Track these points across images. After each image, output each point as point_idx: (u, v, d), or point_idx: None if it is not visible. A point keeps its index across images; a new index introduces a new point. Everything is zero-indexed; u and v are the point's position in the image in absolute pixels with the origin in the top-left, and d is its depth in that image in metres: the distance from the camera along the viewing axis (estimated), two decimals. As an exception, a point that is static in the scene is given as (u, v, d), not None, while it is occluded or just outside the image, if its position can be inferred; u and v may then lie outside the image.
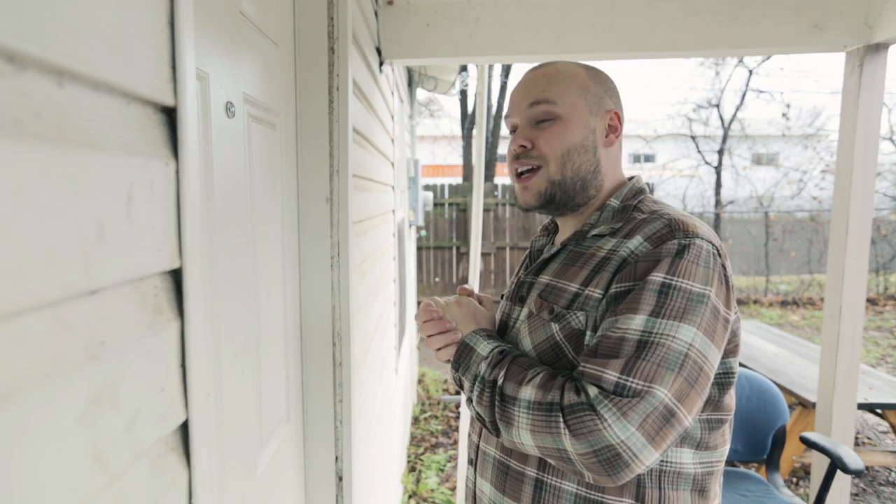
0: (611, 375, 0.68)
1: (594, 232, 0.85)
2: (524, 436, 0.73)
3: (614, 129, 0.88)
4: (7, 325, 0.32)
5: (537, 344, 0.82)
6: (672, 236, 0.75)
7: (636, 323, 0.70)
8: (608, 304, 0.75)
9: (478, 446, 0.92)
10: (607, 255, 0.79)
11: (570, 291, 0.81)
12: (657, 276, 0.72)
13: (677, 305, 0.70)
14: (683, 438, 0.78)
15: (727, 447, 0.84)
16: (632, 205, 0.85)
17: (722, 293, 0.74)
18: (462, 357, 0.84)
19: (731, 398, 0.83)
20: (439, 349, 0.89)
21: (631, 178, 0.90)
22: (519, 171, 0.88)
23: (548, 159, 0.85)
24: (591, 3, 1.95)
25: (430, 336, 0.90)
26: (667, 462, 0.77)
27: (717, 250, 0.76)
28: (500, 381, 0.77)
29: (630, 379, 0.67)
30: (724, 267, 0.76)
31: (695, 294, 0.71)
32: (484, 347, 0.83)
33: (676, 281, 0.71)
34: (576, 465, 0.69)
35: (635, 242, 0.77)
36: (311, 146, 1.15)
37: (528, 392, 0.73)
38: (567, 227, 0.92)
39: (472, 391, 0.82)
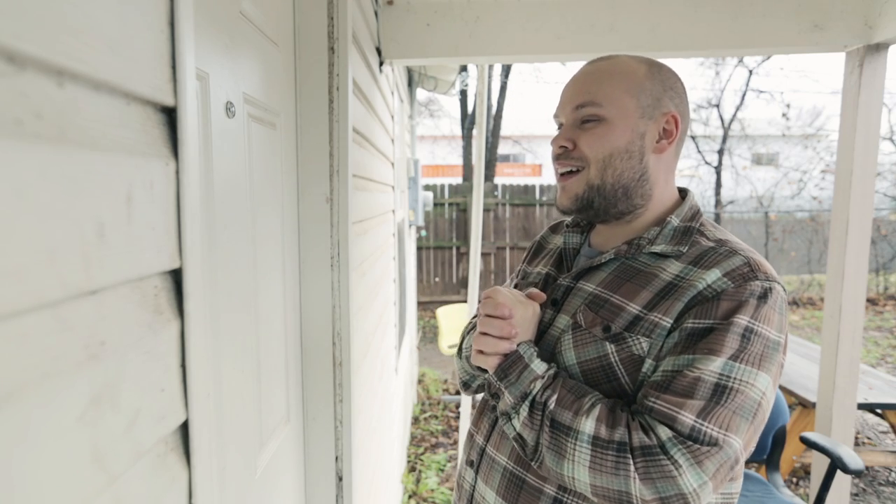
0: (686, 418, 0.66)
1: (654, 249, 0.80)
2: (579, 471, 0.68)
3: (669, 133, 0.81)
4: (7, 325, 0.32)
5: (585, 360, 0.77)
6: (755, 277, 0.72)
7: (715, 365, 0.67)
8: (684, 337, 0.71)
9: (483, 449, 0.87)
10: (674, 280, 0.75)
11: (629, 311, 0.76)
12: (742, 320, 0.69)
13: (756, 352, 0.69)
14: None
15: (741, 480, 0.83)
16: (693, 227, 0.81)
17: (785, 339, 0.73)
18: (512, 367, 0.77)
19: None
20: (486, 353, 0.80)
21: (684, 194, 0.87)
22: (560, 171, 0.85)
23: (589, 162, 0.81)
24: (591, 3, 1.95)
25: (485, 334, 0.79)
26: None
27: (784, 293, 0.75)
28: (551, 406, 0.72)
29: (706, 424, 0.65)
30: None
31: (772, 342, 0.70)
32: (539, 366, 0.76)
33: (759, 326, 0.70)
34: None
35: (713, 276, 0.73)
36: (311, 146, 1.15)
37: (588, 425, 0.69)
38: (611, 234, 0.87)
39: (516, 409, 0.75)
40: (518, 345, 0.79)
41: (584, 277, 0.84)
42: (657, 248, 0.80)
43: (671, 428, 0.66)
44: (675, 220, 0.82)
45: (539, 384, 0.75)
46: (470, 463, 0.90)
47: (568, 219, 0.97)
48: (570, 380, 0.76)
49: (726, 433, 0.66)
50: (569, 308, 0.83)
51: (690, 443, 0.65)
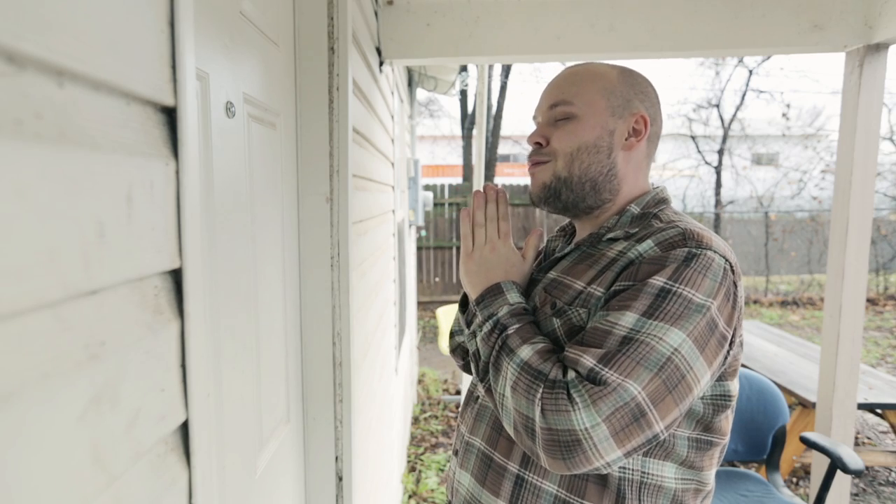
0: (588, 361, 0.68)
1: (610, 235, 0.83)
2: (507, 389, 0.73)
3: (638, 132, 0.85)
4: (7, 325, 0.32)
5: None
6: (683, 244, 0.73)
7: (626, 320, 0.69)
8: (606, 300, 0.74)
9: (464, 438, 0.91)
10: (616, 256, 0.79)
11: (575, 289, 0.80)
12: (658, 280, 0.70)
13: (672, 310, 0.69)
14: (668, 454, 0.76)
15: (713, 471, 0.82)
16: (652, 213, 0.84)
17: (726, 310, 0.72)
18: (489, 294, 0.83)
19: (727, 422, 0.81)
20: (473, 281, 0.87)
21: (655, 188, 0.89)
22: (531, 163, 0.90)
23: (557, 155, 0.86)
24: (591, 3, 1.95)
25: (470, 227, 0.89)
26: (648, 474, 0.76)
27: (732, 267, 0.74)
28: (509, 331, 0.77)
29: (605, 369, 0.66)
30: (735, 284, 0.74)
31: (694, 303, 0.69)
32: (514, 297, 0.82)
33: (677, 287, 0.70)
34: (535, 441, 0.68)
35: (645, 246, 0.76)
36: (311, 146, 1.15)
37: (526, 352, 0.74)
38: (584, 231, 0.92)
39: (481, 326, 0.81)
40: (503, 281, 0.85)
41: (552, 269, 0.89)
42: (612, 234, 0.83)
43: (575, 370, 0.69)
44: (634, 209, 0.85)
45: (506, 309, 0.80)
46: (455, 452, 0.94)
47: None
48: (536, 326, 0.81)
49: (624, 378, 0.66)
50: (532, 295, 0.88)
51: (588, 383, 0.66)
